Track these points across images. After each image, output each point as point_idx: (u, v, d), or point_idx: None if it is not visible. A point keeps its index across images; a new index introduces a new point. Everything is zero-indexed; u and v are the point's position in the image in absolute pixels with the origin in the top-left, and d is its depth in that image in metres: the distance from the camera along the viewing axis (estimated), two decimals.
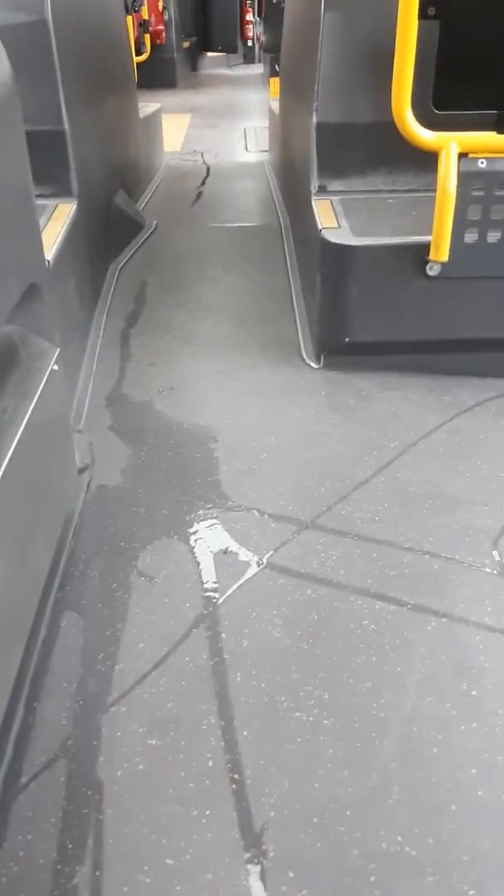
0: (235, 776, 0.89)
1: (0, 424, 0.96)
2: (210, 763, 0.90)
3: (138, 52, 4.19)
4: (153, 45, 6.20)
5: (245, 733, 0.94)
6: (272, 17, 5.24)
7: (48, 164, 1.79)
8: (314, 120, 1.84)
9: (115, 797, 0.87)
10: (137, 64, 3.73)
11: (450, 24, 1.59)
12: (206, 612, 1.12)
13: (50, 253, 1.53)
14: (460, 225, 1.51)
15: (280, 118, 2.99)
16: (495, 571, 1.19)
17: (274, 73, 5.32)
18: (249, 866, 0.80)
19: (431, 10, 1.44)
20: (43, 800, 0.87)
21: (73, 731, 0.94)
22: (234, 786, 0.88)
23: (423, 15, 1.37)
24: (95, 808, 0.86)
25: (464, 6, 1.48)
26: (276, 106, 3.26)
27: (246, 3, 9.01)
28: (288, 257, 2.36)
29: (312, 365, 1.80)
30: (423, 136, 1.46)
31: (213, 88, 7.62)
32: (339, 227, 1.67)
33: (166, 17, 6.92)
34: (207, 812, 0.85)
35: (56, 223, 1.69)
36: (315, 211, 1.75)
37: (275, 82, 4.11)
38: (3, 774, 0.89)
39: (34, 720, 0.96)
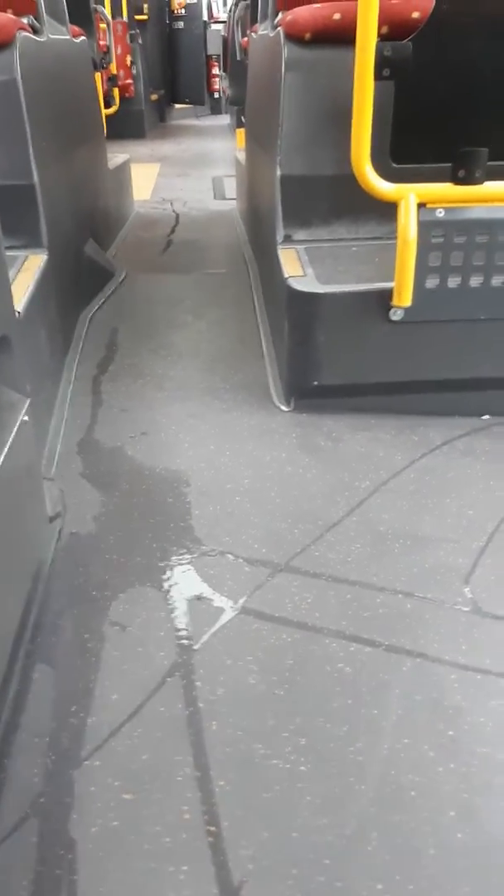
0: (212, 828, 0.87)
1: None
2: (186, 816, 0.89)
3: (107, 105, 4.30)
4: (122, 98, 6.37)
5: (222, 783, 0.93)
6: (237, 72, 5.44)
7: (18, 216, 1.82)
8: (278, 172, 1.90)
9: (89, 856, 0.85)
10: (107, 116, 3.83)
11: (404, 84, 1.68)
12: (180, 660, 1.11)
13: (20, 304, 1.54)
14: (421, 271, 1.57)
15: (246, 168, 3.08)
16: (468, 609, 1.20)
17: (240, 125, 5.50)
18: None
19: (386, 72, 1.52)
20: (14, 862, 0.84)
21: (45, 789, 0.92)
22: (210, 838, 0.86)
23: (378, 76, 1.43)
24: (69, 869, 0.84)
25: (417, 68, 1.55)
26: (242, 157, 3.36)
27: (212, 59, 9.32)
28: (256, 303, 2.41)
29: (283, 408, 1.82)
30: (383, 188, 1.52)
31: (182, 139, 7.82)
32: (305, 275, 1.71)
33: (134, 71, 7.14)
34: (184, 867, 0.83)
35: (26, 274, 1.71)
36: (281, 260, 1.80)
37: (241, 133, 4.25)
38: None
39: (4, 778, 0.93)
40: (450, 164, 1.50)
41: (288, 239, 1.94)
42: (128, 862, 0.84)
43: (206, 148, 6.99)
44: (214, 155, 6.45)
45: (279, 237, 1.95)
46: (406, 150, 1.77)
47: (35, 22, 2.01)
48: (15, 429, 1.11)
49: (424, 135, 1.75)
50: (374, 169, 1.50)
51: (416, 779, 0.92)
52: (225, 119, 9.32)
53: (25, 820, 0.89)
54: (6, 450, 1.04)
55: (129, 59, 6.92)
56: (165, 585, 1.26)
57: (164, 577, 1.28)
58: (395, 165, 1.78)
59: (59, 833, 0.87)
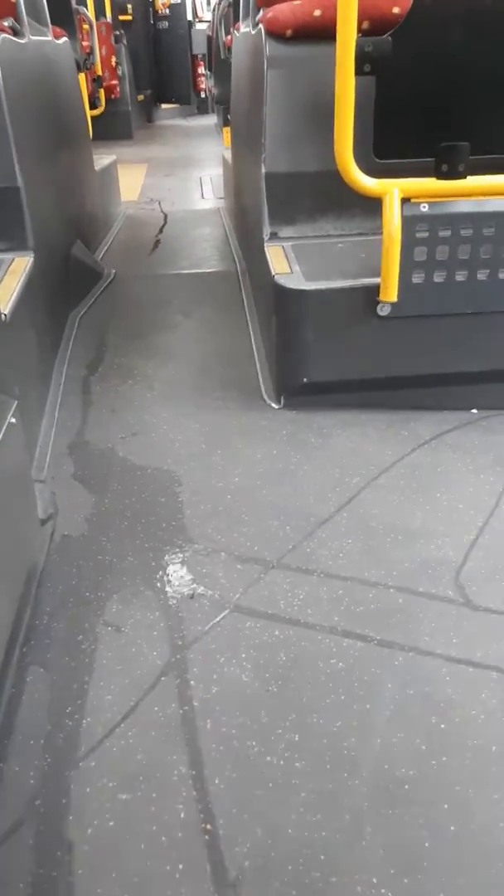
0: (208, 826, 0.88)
1: None
2: (182, 815, 0.89)
3: (93, 107, 4.28)
4: (108, 99, 6.35)
5: (216, 781, 0.93)
6: (222, 71, 5.44)
7: (3, 219, 1.81)
8: (263, 170, 1.90)
9: (85, 857, 0.85)
10: (93, 117, 3.82)
11: (385, 79, 1.68)
12: (174, 659, 1.11)
13: (7, 307, 1.54)
14: (407, 266, 1.57)
15: (233, 167, 3.08)
16: (459, 602, 1.21)
17: (226, 123, 5.49)
18: None
19: (367, 67, 1.52)
20: (11, 865, 0.84)
21: (41, 791, 0.92)
22: (206, 836, 0.87)
23: (359, 72, 1.44)
24: (66, 870, 0.84)
25: (398, 63, 1.56)
26: (228, 155, 3.36)
27: (198, 58, 9.30)
28: (245, 301, 2.41)
29: (273, 405, 1.83)
30: (367, 183, 1.52)
31: (169, 139, 7.80)
32: (292, 272, 1.71)
33: (120, 71, 7.11)
34: (180, 866, 0.84)
35: (12, 277, 1.70)
36: (268, 257, 1.80)
37: (227, 132, 4.24)
38: None
39: (0, 780, 0.94)
40: (433, 159, 1.51)
41: (274, 236, 1.94)
42: (124, 862, 0.84)
43: (193, 148, 6.97)
44: (202, 155, 6.44)
45: (266, 234, 1.95)
46: (389, 145, 1.77)
47: (15, 24, 2.00)
48: (2, 431, 1.11)
49: (407, 130, 1.75)
50: (358, 164, 1.51)
51: (410, 772, 0.93)
52: (212, 119, 9.30)
53: (21, 823, 0.89)
54: None
55: (113, 59, 6.89)
56: (158, 585, 1.27)
57: (157, 576, 1.29)
58: (378, 161, 1.78)
59: (56, 834, 0.87)
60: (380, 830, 0.86)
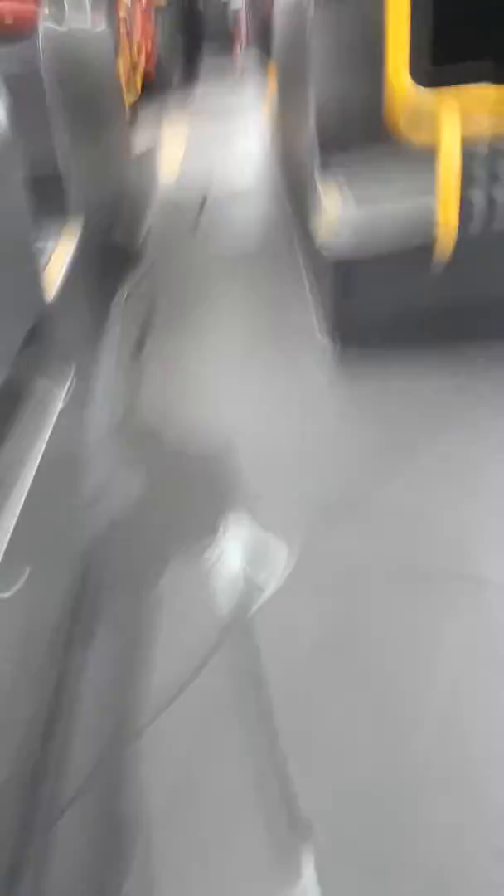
0: (279, 780, 0.89)
1: (12, 466, 0.99)
2: (254, 766, 0.91)
3: (130, 91, 4.28)
4: (145, 82, 6.35)
5: (287, 730, 0.95)
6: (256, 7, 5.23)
7: (46, 206, 1.84)
8: (312, 101, 1.83)
9: (159, 817, 0.88)
10: (131, 99, 3.82)
11: None
12: (235, 622, 1.12)
13: (52, 293, 1.57)
14: (467, 186, 1.51)
15: (279, 108, 3.01)
16: None
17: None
18: (303, 855, 0.81)
19: None
20: (80, 825, 0.88)
21: (108, 756, 0.95)
22: (280, 787, 0.88)
23: None
24: (143, 828, 0.86)
25: None
26: (272, 99, 3.26)
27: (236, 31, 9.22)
28: (298, 248, 2.37)
29: (328, 349, 1.80)
30: (423, 98, 1.44)
31: (208, 113, 7.75)
32: (346, 205, 1.67)
33: (157, 52, 7.09)
34: (258, 816, 0.86)
35: (56, 264, 1.73)
36: (320, 192, 1.76)
37: (271, 73, 4.14)
38: (47, 798, 0.90)
39: (67, 751, 0.97)
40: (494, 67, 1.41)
41: (326, 167, 1.87)
42: (200, 820, 0.87)
43: (233, 120, 6.91)
44: (241, 123, 6.37)
45: (317, 168, 1.88)
46: (446, 52, 1.66)
47: (56, 11, 2.01)
48: (55, 416, 1.14)
49: (466, 33, 1.63)
50: (412, 79, 1.43)
51: (480, 706, 0.93)
52: (250, 90, 9.18)
53: (84, 793, 0.92)
54: (47, 437, 1.06)
55: (150, 43, 6.87)
56: (215, 553, 1.28)
57: (213, 544, 1.30)
58: (433, 71, 1.68)
59: (124, 798, 0.90)
60: (448, 768, 0.87)
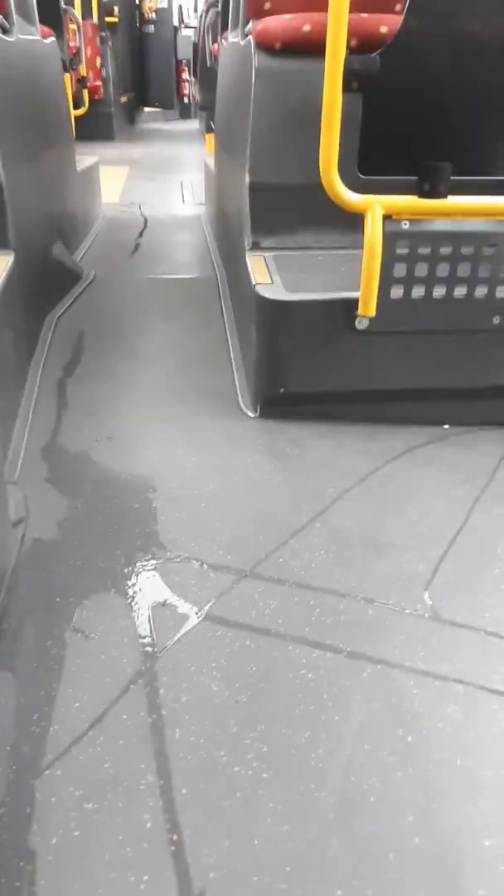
0: (174, 837, 0.87)
1: None
2: (148, 825, 0.89)
3: (76, 107, 4.26)
4: (91, 100, 6.33)
5: (184, 791, 0.93)
6: (206, 77, 5.46)
7: None
8: (247, 179, 1.91)
9: (49, 867, 0.84)
10: (76, 118, 3.80)
11: (372, 97, 1.70)
12: (143, 667, 1.10)
13: None
14: (386, 282, 1.59)
15: (215, 174, 3.09)
16: (427, 615, 1.22)
17: (209, 130, 5.51)
18: None
19: (355, 84, 1.54)
20: None
21: (6, 799, 0.91)
22: (172, 847, 0.86)
23: (346, 88, 1.46)
24: (28, 881, 0.83)
25: (385, 82, 1.58)
26: (211, 162, 3.37)
27: (182, 63, 9.32)
28: (224, 308, 2.42)
29: (249, 414, 1.83)
30: (350, 198, 1.54)
31: (151, 142, 7.80)
32: (273, 282, 1.73)
33: (104, 73, 7.10)
34: (146, 877, 0.83)
35: None
36: (249, 266, 1.81)
37: (210, 138, 4.26)
38: None
39: None
40: (415, 178, 1.53)
41: (256, 246, 1.96)
42: (89, 872, 0.84)
43: (174, 152, 6.98)
44: (183, 159, 6.45)
45: (247, 244, 1.96)
46: (373, 161, 1.79)
47: (4, 22, 1.99)
48: None
49: (391, 147, 1.78)
50: (342, 179, 1.52)
51: (376, 784, 0.94)
52: (194, 124, 9.33)
53: None
54: None
55: (98, 60, 6.88)
56: (129, 591, 1.26)
57: (129, 583, 1.28)
58: (362, 177, 1.81)
59: (19, 844, 0.86)
60: (346, 842, 0.87)
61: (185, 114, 10.22)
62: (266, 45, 1.84)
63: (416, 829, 0.88)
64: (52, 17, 2.77)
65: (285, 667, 1.11)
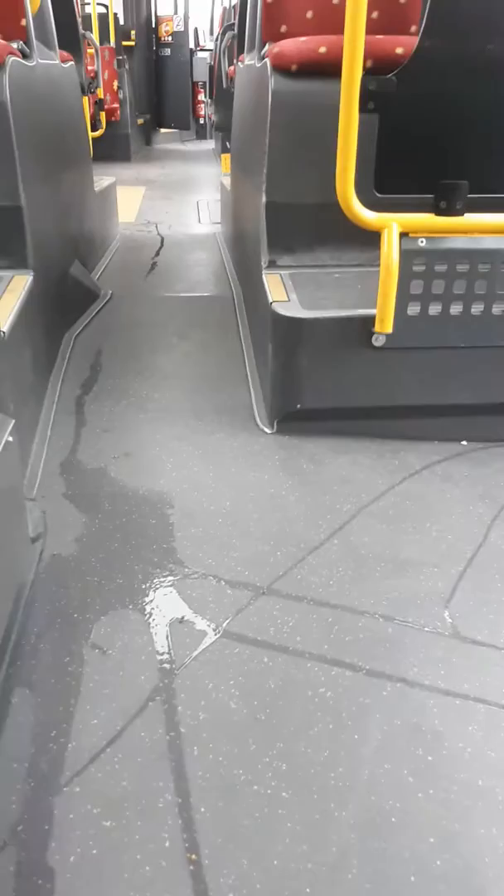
0: (193, 856, 0.87)
1: None
2: (167, 843, 0.88)
3: (94, 129, 4.33)
4: (108, 122, 6.43)
5: (202, 810, 0.92)
6: (222, 99, 5.54)
7: (5, 237, 1.83)
8: (263, 199, 1.93)
9: (67, 885, 0.84)
10: (93, 139, 3.86)
11: (388, 117, 1.72)
12: (161, 684, 1.10)
13: (5, 324, 1.55)
14: (403, 299, 1.60)
15: (231, 193, 3.12)
16: (447, 633, 1.21)
17: (225, 150, 5.57)
18: None
19: (371, 105, 1.56)
20: None
21: (23, 816, 0.91)
22: (191, 867, 0.85)
23: (363, 109, 1.47)
24: None
25: (400, 102, 1.60)
26: (227, 181, 3.41)
27: (198, 85, 9.46)
28: (241, 327, 2.43)
29: (266, 430, 1.84)
30: (367, 216, 1.55)
31: (167, 162, 7.89)
32: (289, 300, 1.74)
33: (121, 96, 7.22)
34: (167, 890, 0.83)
35: (11, 295, 1.71)
36: (266, 284, 1.82)
37: (226, 158, 4.31)
38: None
39: None
40: (432, 196, 1.54)
41: (272, 264, 1.97)
42: (107, 891, 0.83)
43: (190, 172, 7.06)
44: (199, 179, 6.52)
45: (264, 262, 1.97)
46: (390, 180, 1.81)
47: (25, 47, 2.03)
48: None
49: (407, 166, 1.79)
50: (359, 198, 1.54)
51: (396, 805, 0.93)
52: (210, 144, 9.44)
53: (3, 848, 0.87)
54: None
55: (115, 83, 7.00)
56: (147, 608, 1.26)
57: (146, 599, 1.28)
58: (378, 195, 1.82)
59: (37, 862, 0.86)
60: (366, 863, 0.86)
61: (200, 135, 10.35)
62: (282, 67, 1.87)
63: (438, 851, 0.87)
64: (70, 42, 2.83)
65: (304, 685, 1.10)
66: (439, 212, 1.55)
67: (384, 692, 1.09)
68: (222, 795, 0.94)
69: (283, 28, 2.08)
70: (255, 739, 1.01)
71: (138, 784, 0.95)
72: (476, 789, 0.95)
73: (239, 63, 2.78)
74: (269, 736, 1.02)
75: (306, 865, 0.86)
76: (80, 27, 3.28)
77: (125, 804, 0.92)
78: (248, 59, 2.41)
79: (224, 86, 5.06)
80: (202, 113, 9.95)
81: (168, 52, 9.19)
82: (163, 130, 9.74)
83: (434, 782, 0.95)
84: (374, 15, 2.08)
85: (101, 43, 6.22)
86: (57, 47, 2.52)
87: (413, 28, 2.08)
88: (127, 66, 7.44)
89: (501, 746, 1.01)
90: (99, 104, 5.77)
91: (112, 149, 6.83)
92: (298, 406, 1.76)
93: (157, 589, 1.30)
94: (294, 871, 0.85)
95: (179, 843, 0.88)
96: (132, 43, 8.03)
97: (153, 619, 1.23)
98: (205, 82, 9.27)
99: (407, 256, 1.55)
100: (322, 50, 1.81)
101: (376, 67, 1.74)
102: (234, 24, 3.91)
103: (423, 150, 1.73)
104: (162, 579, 1.33)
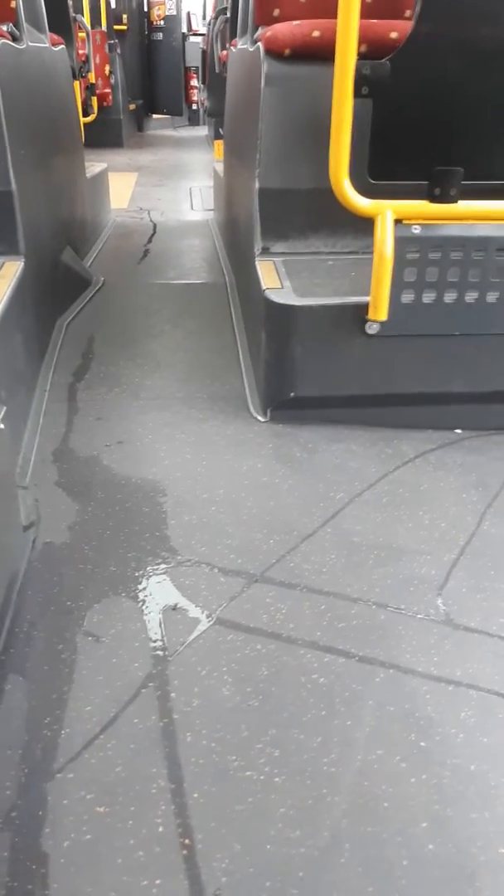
0: (186, 841, 0.87)
1: None
2: (160, 829, 0.88)
3: (85, 114, 4.29)
4: (100, 107, 6.37)
5: (195, 795, 0.92)
6: (215, 84, 5.49)
7: None
8: (257, 185, 1.92)
9: (61, 870, 0.84)
10: (85, 125, 3.83)
11: (382, 102, 1.71)
12: (154, 671, 1.10)
13: None
14: (397, 286, 1.59)
15: (224, 180, 3.10)
16: (440, 620, 1.22)
17: (218, 136, 5.53)
18: None
19: (365, 90, 1.55)
20: None
21: (17, 802, 0.91)
22: (184, 851, 0.86)
23: (356, 94, 1.46)
24: (41, 884, 0.83)
25: (395, 87, 1.58)
26: (220, 168, 3.38)
27: (190, 70, 9.37)
28: (234, 314, 2.42)
29: (259, 418, 1.83)
30: (361, 203, 1.54)
31: (159, 148, 7.84)
32: (282, 287, 1.73)
33: (113, 80, 7.15)
34: (158, 881, 0.83)
35: (3, 281, 1.70)
36: (259, 271, 1.81)
37: (219, 145, 4.28)
38: None
39: None
40: (426, 182, 1.53)
41: (265, 251, 1.96)
42: (100, 876, 0.83)
43: (183, 158, 7.01)
44: (191, 165, 6.47)
45: (257, 249, 1.96)
46: (384, 167, 1.80)
47: (14, 29, 2.00)
48: None
49: (401, 153, 1.78)
50: (353, 184, 1.53)
51: (389, 790, 0.93)
52: (202, 130, 9.38)
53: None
54: None
55: (107, 68, 6.93)
56: (140, 595, 1.26)
57: (139, 587, 1.28)
58: (372, 182, 1.81)
59: (31, 847, 0.86)
60: (359, 848, 0.86)
61: (193, 120, 10.27)
62: (275, 52, 1.85)
63: (430, 836, 0.88)
64: (61, 25, 2.79)
65: (297, 671, 1.11)
66: (433, 198, 1.54)
67: (377, 679, 1.10)
68: (215, 781, 0.94)
69: (276, 12, 2.06)
70: (248, 726, 1.02)
71: (132, 770, 0.95)
72: (468, 774, 0.95)
73: (231, 47, 2.75)
74: (262, 722, 1.02)
75: (299, 850, 0.86)
76: (71, 10, 3.24)
77: (118, 790, 0.93)
78: (241, 44, 2.38)
79: (216, 71, 5.02)
80: (195, 98, 9.87)
81: (160, 36, 9.10)
82: (155, 116, 9.66)
83: (426, 768, 0.96)
84: None
85: (93, 27, 6.14)
86: (47, 30, 2.48)
87: (408, 12, 2.06)
88: (119, 51, 7.36)
89: (493, 732, 1.01)
90: (90, 89, 5.72)
91: (104, 134, 6.77)
92: (292, 394, 1.75)
93: (151, 576, 1.30)
94: (287, 855, 0.86)
95: (173, 828, 0.88)
96: (124, 27, 7.94)
97: (146, 607, 1.23)
98: (197, 67, 9.19)
99: (401, 243, 1.55)
100: (315, 34, 1.79)
101: (370, 52, 1.72)
102: (226, 7, 3.87)
103: (418, 136, 1.72)
104: (155, 567, 1.33)
